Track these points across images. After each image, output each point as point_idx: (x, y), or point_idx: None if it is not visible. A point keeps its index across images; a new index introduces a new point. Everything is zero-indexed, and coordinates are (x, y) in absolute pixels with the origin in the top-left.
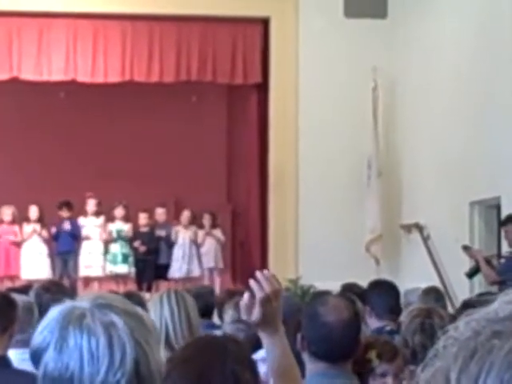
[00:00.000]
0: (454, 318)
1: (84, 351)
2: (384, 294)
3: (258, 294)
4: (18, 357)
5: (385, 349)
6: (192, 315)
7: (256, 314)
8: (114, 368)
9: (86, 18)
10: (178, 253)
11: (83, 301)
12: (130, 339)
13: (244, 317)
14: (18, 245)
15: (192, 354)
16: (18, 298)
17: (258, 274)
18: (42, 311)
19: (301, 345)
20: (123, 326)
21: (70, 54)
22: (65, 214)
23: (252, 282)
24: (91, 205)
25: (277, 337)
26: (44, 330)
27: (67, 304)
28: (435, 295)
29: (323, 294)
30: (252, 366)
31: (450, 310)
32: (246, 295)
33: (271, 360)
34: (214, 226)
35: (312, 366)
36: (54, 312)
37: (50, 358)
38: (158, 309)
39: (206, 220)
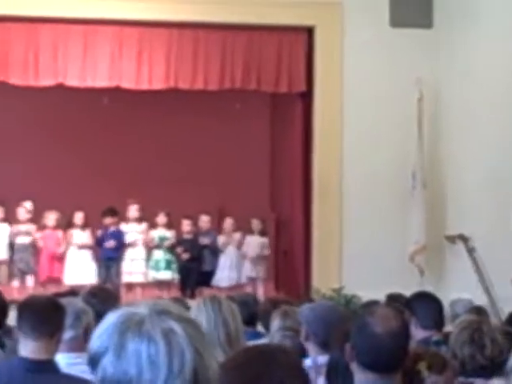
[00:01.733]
0: (504, 331)
1: (143, 357)
2: (428, 305)
3: None
4: (65, 361)
5: (434, 360)
6: (230, 321)
7: None
8: (172, 375)
9: (131, 25)
10: (224, 261)
11: (141, 307)
12: (188, 346)
13: None
14: (64, 251)
15: (241, 362)
16: (70, 303)
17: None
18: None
19: (349, 355)
20: (182, 333)
21: (115, 61)
22: (109, 220)
23: None
24: (133, 211)
25: None
26: (102, 334)
27: (125, 309)
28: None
29: (372, 304)
30: (302, 377)
31: (496, 322)
32: None
33: None
34: (262, 233)
35: (361, 376)
36: (112, 317)
37: (108, 362)
38: (195, 315)
39: (256, 225)
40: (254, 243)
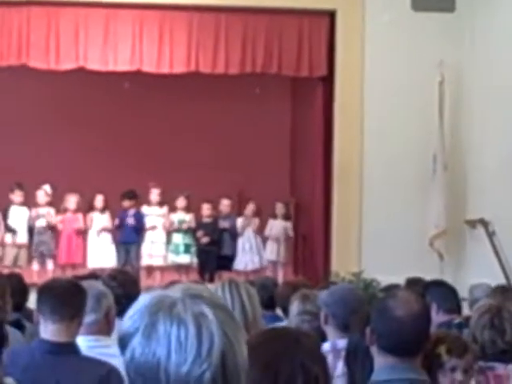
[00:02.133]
0: None
1: (172, 339)
2: (446, 290)
3: None
4: (85, 344)
5: (455, 344)
6: (247, 305)
7: None
8: (200, 358)
9: (152, 8)
10: (242, 245)
11: (174, 290)
12: (218, 331)
13: None
14: (82, 233)
15: (261, 342)
16: (90, 286)
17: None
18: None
19: (370, 339)
20: (213, 318)
21: (136, 45)
22: (129, 203)
23: None
24: (154, 194)
25: None
26: (134, 315)
27: (158, 292)
28: (504, 292)
29: (392, 288)
30: (322, 361)
31: None
32: None
33: None
34: (286, 217)
35: (381, 359)
36: (145, 298)
37: (137, 343)
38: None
39: (280, 209)
40: (278, 227)
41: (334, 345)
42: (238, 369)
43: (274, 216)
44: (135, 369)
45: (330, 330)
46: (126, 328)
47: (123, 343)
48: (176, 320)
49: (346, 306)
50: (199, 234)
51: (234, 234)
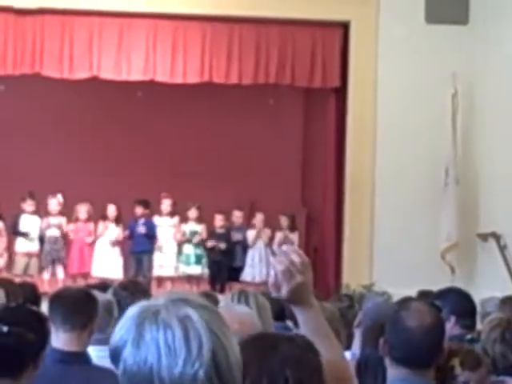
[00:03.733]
0: None
1: (161, 344)
2: (463, 302)
3: (278, 267)
4: (96, 354)
5: (468, 357)
6: (258, 317)
7: (284, 290)
8: (191, 359)
9: (166, 18)
10: (253, 256)
11: (158, 298)
12: (206, 331)
13: (273, 294)
14: (93, 242)
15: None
16: (98, 296)
17: (275, 248)
18: (120, 310)
19: (383, 349)
20: (198, 319)
21: (150, 54)
22: (140, 211)
23: (271, 258)
24: (166, 205)
25: (311, 312)
26: (121, 328)
27: (143, 302)
28: None
29: (407, 300)
30: (308, 366)
31: None
32: (272, 273)
33: (305, 334)
34: (292, 228)
35: (393, 371)
36: (131, 311)
37: (128, 354)
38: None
39: (283, 222)
40: (283, 239)
41: (353, 355)
42: (231, 366)
43: (280, 228)
44: (129, 380)
45: (358, 334)
46: (116, 342)
47: (115, 357)
48: (162, 325)
49: (377, 317)
50: (210, 243)
51: (246, 246)
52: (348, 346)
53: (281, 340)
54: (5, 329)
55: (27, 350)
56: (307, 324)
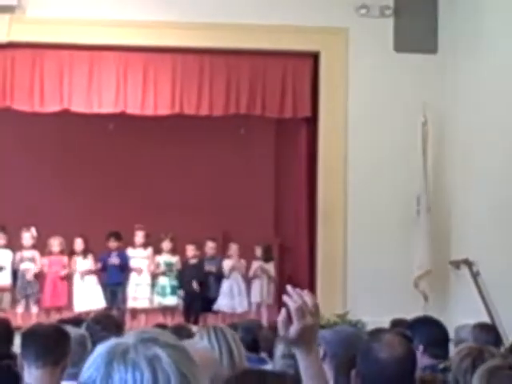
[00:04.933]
0: (505, 357)
1: None
2: (435, 331)
3: (292, 305)
4: None
5: None
6: (234, 351)
7: (293, 329)
8: None
9: (136, 50)
10: (228, 287)
11: (127, 337)
12: (174, 371)
13: (281, 332)
14: (66, 276)
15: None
16: (71, 331)
17: (289, 288)
18: (94, 343)
19: (355, 381)
20: (167, 359)
21: (121, 87)
22: (113, 244)
23: (285, 296)
24: (139, 236)
25: (313, 358)
26: (90, 367)
27: (112, 341)
28: (489, 332)
29: (379, 332)
30: None
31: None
32: (284, 310)
33: (305, 380)
34: (267, 259)
35: None
36: (100, 349)
37: None
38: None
39: (258, 252)
40: (258, 269)
41: None
42: None
43: (255, 258)
44: None
45: (325, 368)
46: (84, 380)
47: None
48: (130, 366)
49: (348, 348)
50: (194, 284)
51: (220, 277)
52: None
53: (270, 377)
54: None
55: None
56: (308, 370)
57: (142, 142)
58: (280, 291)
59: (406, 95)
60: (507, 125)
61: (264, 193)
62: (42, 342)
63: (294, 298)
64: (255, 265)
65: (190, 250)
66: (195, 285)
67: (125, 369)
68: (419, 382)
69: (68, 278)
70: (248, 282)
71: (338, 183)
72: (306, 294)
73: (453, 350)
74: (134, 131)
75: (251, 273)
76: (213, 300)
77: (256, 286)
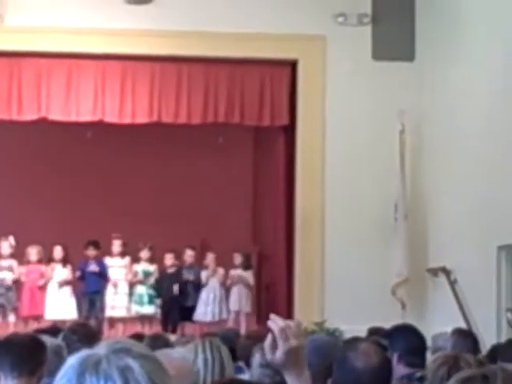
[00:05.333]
0: (481, 364)
1: None
2: (412, 340)
3: (276, 329)
4: None
5: None
6: (226, 365)
7: (279, 352)
8: None
9: (114, 59)
10: (206, 296)
11: (100, 347)
12: (147, 382)
13: (268, 356)
14: (44, 285)
15: None
16: (47, 341)
17: (272, 315)
18: (70, 353)
19: None
20: (139, 369)
21: (98, 95)
22: (91, 253)
23: (269, 321)
24: (116, 245)
25: (302, 379)
26: (62, 378)
27: (83, 352)
28: (467, 338)
29: (355, 340)
30: None
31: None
32: (270, 335)
33: None
34: (246, 267)
35: None
36: (71, 360)
37: None
38: (192, 357)
39: (237, 260)
40: (237, 277)
41: None
42: None
43: (234, 266)
44: None
45: None
46: None
47: None
48: (102, 377)
49: (324, 357)
50: (175, 288)
51: (198, 286)
52: None
53: None
54: None
55: None
56: None
57: (120, 150)
58: (258, 299)
59: (384, 102)
60: (485, 131)
61: (242, 201)
62: (17, 351)
63: (277, 321)
64: (233, 273)
65: (169, 259)
66: (176, 289)
67: (97, 380)
68: None
69: (45, 287)
70: (226, 290)
71: (316, 191)
72: (290, 320)
73: (430, 358)
74: (112, 140)
75: (229, 281)
76: (191, 308)
77: (234, 294)
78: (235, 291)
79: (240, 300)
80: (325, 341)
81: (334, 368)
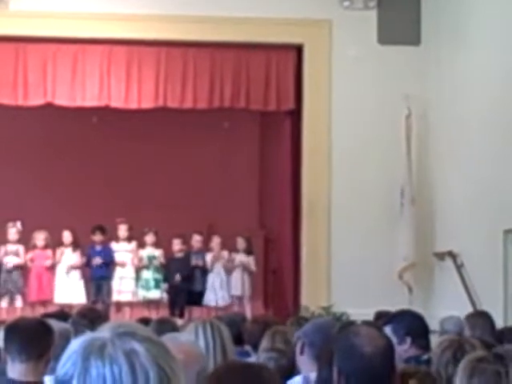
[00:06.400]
0: (487, 347)
1: (107, 380)
2: (419, 323)
3: None
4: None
5: (425, 379)
6: (228, 348)
7: None
8: None
9: (120, 43)
10: (213, 281)
11: (104, 331)
12: (152, 365)
13: None
14: (51, 270)
15: (225, 374)
16: (55, 325)
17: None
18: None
19: (338, 380)
20: (145, 353)
21: (104, 80)
22: (98, 238)
23: None
24: (123, 230)
25: None
26: (66, 362)
27: (88, 335)
28: (486, 320)
29: (351, 325)
30: None
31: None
32: None
33: None
34: (248, 252)
35: None
36: (75, 344)
37: None
38: (193, 340)
39: (240, 244)
40: (240, 261)
41: (306, 378)
42: None
43: (237, 250)
44: None
45: (304, 362)
46: (61, 376)
47: None
48: (108, 360)
49: (325, 336)
50: (177, 277)
51: (205, 270)
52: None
53: (248, 369)
54: None
55: None
56: None
57: (125, 135)
58: (265, 283)
59: (390, 87)
60: (491, 116)
61: (248, 185)
62: (25, 335)
63: None
64: (234, 258)
65: (176, 244)
66: (178, 277)
67: (102, 364)
68: (402, 372)
69: (52, 272)
70: (228, 274)
71: (323, 175)
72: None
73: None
74: (118, 125)
75: (229, 264)
76: (198, 293)
77: (235, 279)
78: (235, 276)
79: (242, 285)
80: (323, 320)
81: (339, 357)
